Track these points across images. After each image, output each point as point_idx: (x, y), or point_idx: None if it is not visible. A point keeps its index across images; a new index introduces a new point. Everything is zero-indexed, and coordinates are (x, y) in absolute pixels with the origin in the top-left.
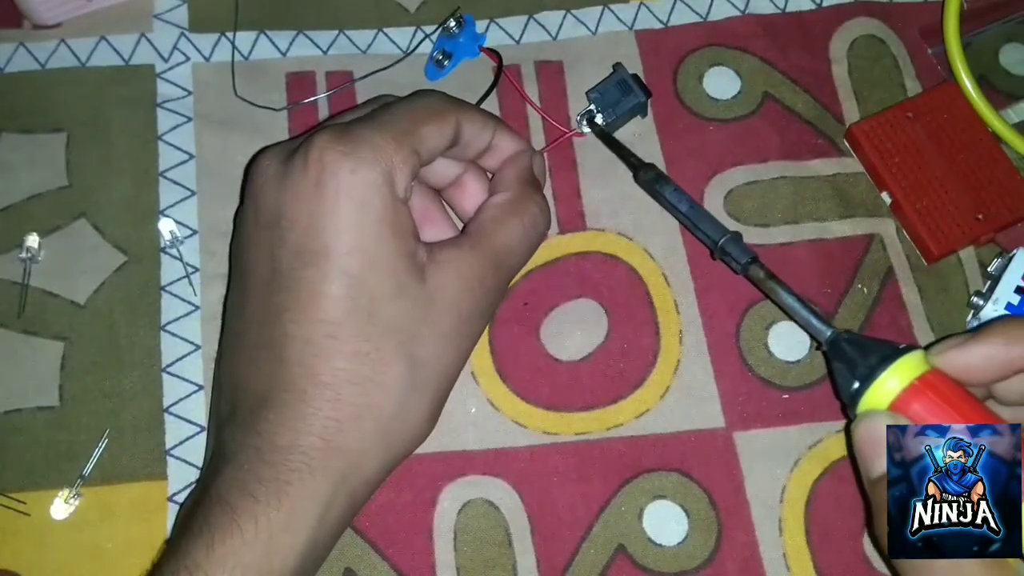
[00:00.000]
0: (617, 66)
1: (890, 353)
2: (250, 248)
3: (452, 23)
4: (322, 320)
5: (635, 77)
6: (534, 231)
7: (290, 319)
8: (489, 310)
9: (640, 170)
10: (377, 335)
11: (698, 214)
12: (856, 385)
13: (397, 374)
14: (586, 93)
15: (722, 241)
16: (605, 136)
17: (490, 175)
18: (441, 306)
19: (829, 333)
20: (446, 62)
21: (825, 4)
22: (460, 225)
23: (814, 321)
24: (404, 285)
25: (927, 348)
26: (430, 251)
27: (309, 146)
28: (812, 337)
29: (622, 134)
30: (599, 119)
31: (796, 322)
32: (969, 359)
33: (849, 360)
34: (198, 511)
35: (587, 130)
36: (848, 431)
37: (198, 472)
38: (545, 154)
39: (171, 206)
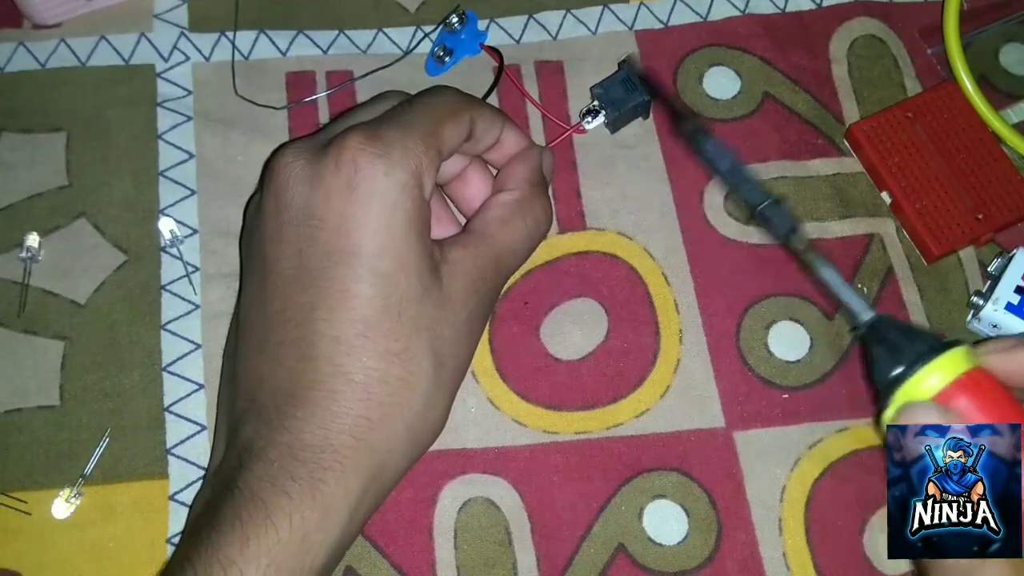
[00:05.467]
0: (623, 64)
1: (938, 345)
2: (272, 244)
3: (454, 19)
4: (353, 319)
5: (642, 75)
6: (537, 232)
7: (320, 317)
8: (490, 308)
9: (682, 119)
10: (407, 335)
11: (739, 175)
12: (899, 371)
13: (425, 374)
14: (590, 88)
15: (762, 206)
16: (643, 78)
17: (493, 171)
18: (455, 305)
19: (870, 315)
20: (447, 58)
21: (825, 4)
22: (460, 219)
23: (855, 301)
24: (427, 285)
25: (974, 346)
26: (441, 250)
27: (342, 147)
28: (849, 318)
29: (623, 135)
30: (603, 117)
31: (834, 299)
32: (1015, 364)
33: (892, 345)
34: (226, 505)
35: (589, 127)
36: (878, 419)
37: (199, 471)
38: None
39: (171, 205)
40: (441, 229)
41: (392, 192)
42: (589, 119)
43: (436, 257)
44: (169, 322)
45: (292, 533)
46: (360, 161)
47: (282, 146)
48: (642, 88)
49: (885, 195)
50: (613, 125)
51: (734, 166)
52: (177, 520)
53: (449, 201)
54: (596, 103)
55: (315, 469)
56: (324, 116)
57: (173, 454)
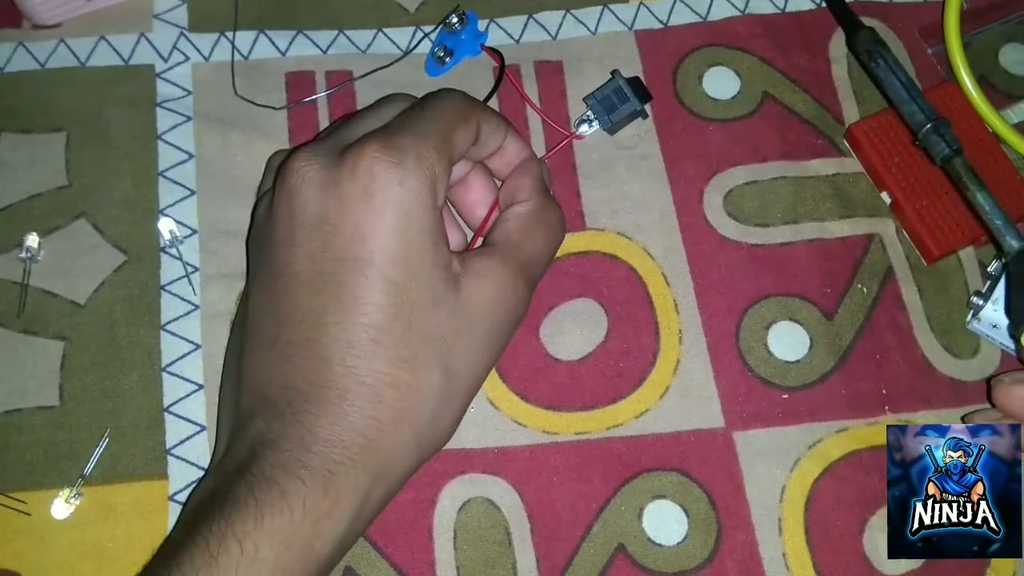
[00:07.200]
0: (615, 73)
1: None
2: (284, 247)
3: (454, 19)
4: (365, 325)
5: (635, 81)
6: (556, 240)
7: (333, 321)
8: (517, 321)
9: (858, 35)
10: (417, 343)
11: (909, 94)
12: None
13: (433, 383)
14: (584, 99)
15: (925, 129)
16: None
17: (497, 181)
18: (474, 317)
19: (1020, 244)
20: (447, 59)
21: (825, 4)
22: (461, 222)
23: (1007, 229)
24: (441, 295)
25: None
26: (462, 262)
27: (359, 155)
28: (996, 246)
29: (622, 135)
30: (598, 123)
31: (985, 225)
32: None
33: None
34: (238, 488)
35: (586, 131)
36: (1017, 343)
37: (199, 471)
38: (546, 160)
39: (171, 205)
40: (448, 235)
41: (406, 201)
42: (586, 128)
43: (455, 268)
44: (169, 322)
45: (305, 517)
46: (376, 170)
47: (294, 149)
48: (634, 97)
49: (885, 195)
50: (611, 129)
51: (903, 85)
52: None
53: (452, 207)
54: (590, 113)
55: (327, 462)
56: (324, 116)
57: (173, 454)
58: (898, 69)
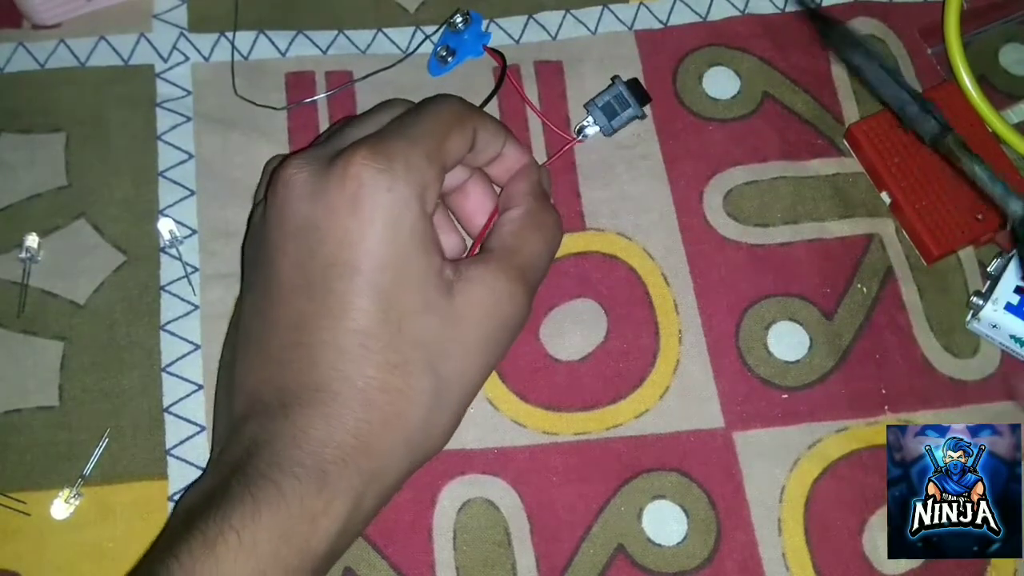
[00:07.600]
0: (615, 79)
1: None
2: (276, 255)
3: (459, 19)
4: (354, 330)
5: (634, 83)
6: (553, 242)
7: (323, 326)
8: (516, 327)
9: (829, 29)
10: (406, 349)
11: (893, 78)
12: None
13: (424, 389)
14: (584, 105)
15: (913, 109)
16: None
17: (497, 189)
18: (469, 323)
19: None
20: (450, 59)
21: (825, 4)
22: (461, 229)
23: (1010, 197)
24: (431, 301)
25: None
26: (457, 268)
27: (348, 161)
28: (1001, 216)
29: (622, 135)
30: (598, 127)
31: (987, 194)
32: None
33: None
34: (235, 485)
35: (589, 132)
36: None
37: (199, 472)
38: (547, 166)
39: (170, 206)
40: (445, 241)
41: (395, 207)
42: (586, 133)
43: (447, 275)
44: (168, 323)
45: (302, 512)
46: (364, 176)
47: (287, 156)
48: (634, 103)
49: (885, 195)
50: (611, 134)
51: (885, 70)
52: None
53: (452, 215)
54: (591, 119)
55: (320, 461)
56: (324, 117)
57: (172, 455)
58: (876, 56)
